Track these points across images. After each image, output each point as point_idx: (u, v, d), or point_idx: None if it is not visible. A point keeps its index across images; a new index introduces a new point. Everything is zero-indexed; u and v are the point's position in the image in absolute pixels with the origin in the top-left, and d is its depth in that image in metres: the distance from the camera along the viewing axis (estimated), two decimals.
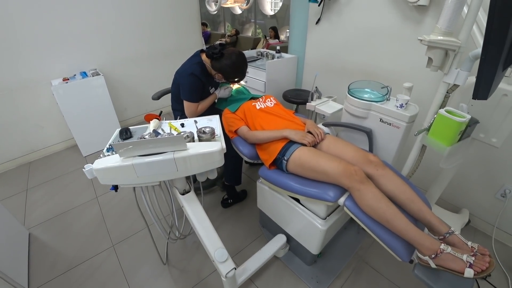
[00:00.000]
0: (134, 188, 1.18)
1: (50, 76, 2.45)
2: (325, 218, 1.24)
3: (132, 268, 1.54)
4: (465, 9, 1.07)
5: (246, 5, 1.92)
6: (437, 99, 1.18)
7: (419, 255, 0.95)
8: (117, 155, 0.97)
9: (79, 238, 1.75)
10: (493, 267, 0.82)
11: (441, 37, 1.03)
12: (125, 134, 1.15)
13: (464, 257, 0.86)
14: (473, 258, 0.85)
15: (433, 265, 0.90)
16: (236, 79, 1.62)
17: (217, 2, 1.68)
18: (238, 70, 1.56)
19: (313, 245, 1.33)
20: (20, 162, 2.57)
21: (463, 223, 1.66)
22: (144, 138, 1.05)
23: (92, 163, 0.99)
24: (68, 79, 2.40)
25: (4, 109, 2.33)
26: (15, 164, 2.55)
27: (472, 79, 0.95)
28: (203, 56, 1.58)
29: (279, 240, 1.50)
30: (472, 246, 0.91)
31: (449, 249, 0.88)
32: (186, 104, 1.57)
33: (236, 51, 1.53)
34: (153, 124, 1.20)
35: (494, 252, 1.59)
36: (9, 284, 1.25)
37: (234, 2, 1.77)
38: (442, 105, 1.19)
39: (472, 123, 1.17)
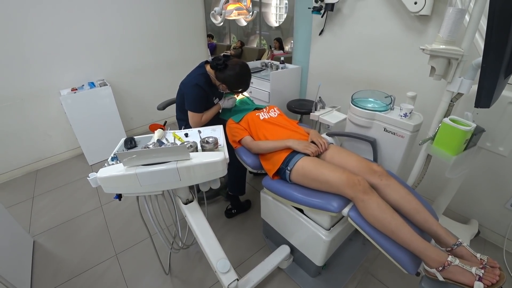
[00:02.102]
0: (137, 197, 1.18)
1: (59, 86, 2.51)
2: (329, 229, 1.22)
3: (134, 277, 1.53)
4: (467, 18, 1.07)
5: (250, 17, 1.96)
6: (441, 108, 1.18)
7: (426, 267, 0.93)
8: (121, 164, 0.98)
9: (82, 246, 1.75)
10: (503, 281, 0.80)
11: (443, 46, 1.03)
12: (130, 143, 1.17)
13: (473, 269, 0.83)
14: (483, 270, 0.83)
15: (440, 278, 0.88)
16: (239, 90, 1.64)
17: (221, 14, 1.71)
18: (241, 80, 1.58)
19: (317, 257, 1.31)
20: (28, 170, 2.61)
21: (472, 234, 1.62)
22: (148, 147, 1.06)
23: (96, 172, 1.00)
24: (77, 89, 2.46)
25: (14, 118, 2.39)
26: (22, 172, 2.59)
27: (477, 87, 0.94)
28: (208, 67, 1.60)
29: (283, 251, 1.48)
30: (481, 258, 0.88)
31: (457, 261, 0.86)
32: (190, 114, 1.58)
33: (240, 62, 1.55)
34: (157, 133, 1.22)
35: (505, 264, 1.54)
36: None
37: (239, 14, 1.81)
38: (447, 114, 1.18)
39: (478, 131, 1.16)
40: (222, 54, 1.60)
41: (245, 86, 1.62)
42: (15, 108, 2.37)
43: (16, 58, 2.25)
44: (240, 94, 1.79)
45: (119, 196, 1.08)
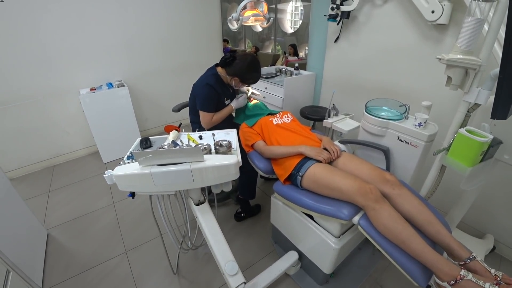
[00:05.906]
0: (150, 196, 1.21)
1: (79, 86, 2.62)
2: (339, 237, 1.21)
3: (142, 275, 1.56)
4: (486, 27, 1.05)
5: (267, 23, 1.99)
6: (457, 118, 1.16)
7: (437, 280, 0.91)
8: (137, 163, 1.01)
9: (94, 241, 1.80)
10: None
11: (461, 56, 1.01)
12: (145, 143, 1.20)
13: (487, 285, 0.81)
14: (497, 287, 0.81)
15: None
16: (252, 80, 1.66)
17: (238, 21, 1.75)
18: (253, 69, 1.61)
19: (326, 264, 1.30)
20: (46, 164, 2.71)
21: (487, 250, 1.57)
22: (163, 148, 1.09)
23: (112, 170, 1.03)
24: (95, 89, 2.55)
25: (35, 114, 2.50)
26: (41, 166, 2.69)
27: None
28: (218, 68, 1.65)
29: (291, 257, 1.47)
30: (496, 274, 0.86)
31: (470, 276, 0.84)
32: (201, 114, 1.61)
33: (248, 53, 1.60)
34: (172, 135, 1.24)
35: None
36: (24, 281, 1.28)
37: (255, 21, 1.84)
38: (463, 124, 1.16)
39: (495, 143, 1.13)
40: (228, 51, 1.64)
41: (257, 74, 1.66)
42: (37, 105, 2.48)
43: (39, 58, 2.36)
44: (255, 100, 1.80)
45: (132, 194, 1.11)
